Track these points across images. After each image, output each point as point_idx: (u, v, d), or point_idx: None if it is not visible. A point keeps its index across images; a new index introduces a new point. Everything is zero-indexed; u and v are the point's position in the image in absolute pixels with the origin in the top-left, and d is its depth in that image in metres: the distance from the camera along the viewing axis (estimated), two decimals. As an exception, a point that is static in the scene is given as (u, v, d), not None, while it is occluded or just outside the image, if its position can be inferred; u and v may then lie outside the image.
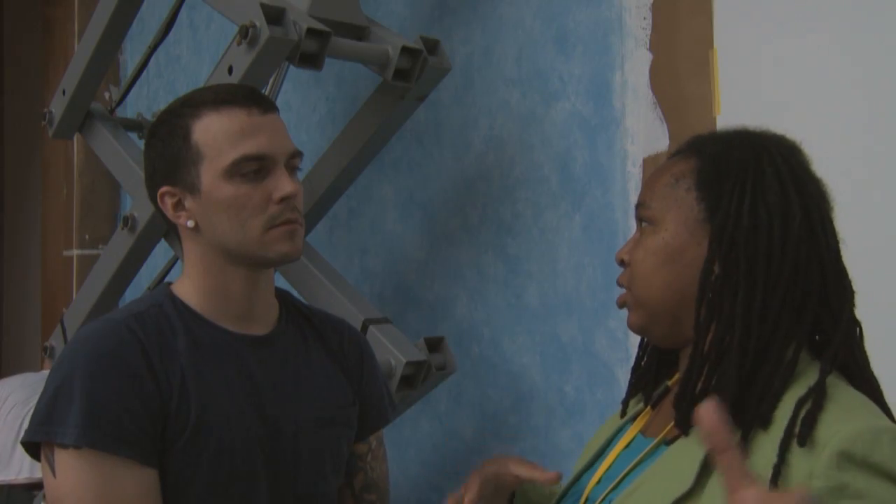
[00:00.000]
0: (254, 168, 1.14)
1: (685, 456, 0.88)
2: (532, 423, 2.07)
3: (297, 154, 1.19)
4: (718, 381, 0.88)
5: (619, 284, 1.01)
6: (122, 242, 2.31)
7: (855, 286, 0.93)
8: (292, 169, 1.19)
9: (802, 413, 0.82)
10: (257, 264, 1.18)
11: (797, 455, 0.81)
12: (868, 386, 0.90)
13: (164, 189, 1.19)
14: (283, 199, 1.14)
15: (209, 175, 1.15)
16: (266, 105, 1.18)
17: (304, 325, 1.29)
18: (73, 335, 1.17)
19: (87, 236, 3.65)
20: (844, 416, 0.82)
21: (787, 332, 0.88)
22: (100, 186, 3.65)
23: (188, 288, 1.20)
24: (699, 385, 0.90)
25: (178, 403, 1.11)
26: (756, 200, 0.89)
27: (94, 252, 3.54)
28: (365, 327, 1.98)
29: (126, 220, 2.27)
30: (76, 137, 2.77)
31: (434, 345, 2.01)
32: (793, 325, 0.88)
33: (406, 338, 1.99)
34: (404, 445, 2.40)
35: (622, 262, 1.00)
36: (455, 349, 2.12)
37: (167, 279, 2.22)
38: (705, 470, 0.85)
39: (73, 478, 1.06)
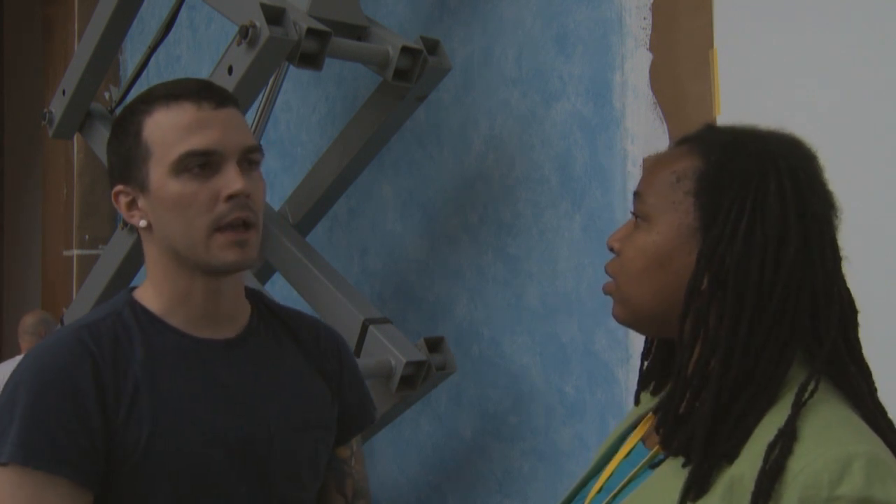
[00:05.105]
0: (199, 163, 1.07)
1: (668, 483, 0.87)
2: (532, 423, 2.07)
3: (254, 149, 1.11)
4: (697, 409, 0.86)
5: (607, 272, 1.00)
6: (122, 242, 2.31)
7: (857, 305, 0.90)
8: (251, 164, 1.11)
9: (771, 459, 0.79)
10: (204, 271, 1.11)
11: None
12: (862, 408, 0.87)
13: (118, 188, 1.14)
14: (230, 197, 1.07)
15: (157, 172, 1.09)
16: (220, 99, 1.11)
17: (278, 326, 1.23)
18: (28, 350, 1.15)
19: (87, 236, 3.65)
20: (815, 447, 0.80)
21: (771, 362, 0.85)
22: (100, 186, 3.66)
23: (150, 292, 1.15)
24: (681, 408, 0.88)
25: (126, 419, 1.05)
26: (753, 223, 0.86)
27: (94, 252, 3.55)
28: (365, 327, 1.98)
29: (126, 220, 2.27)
30: (76, 137, 2.77)
31: (434, 345, 2.01)
32: (779, 354, 0.85)
33: (406, 338, 1.99)
34: (404, 445, 2.40)
35: (612, 249, 0.99)
36: (455, 349, 2.12)
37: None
38: (684, 501, 0.84)
39: (3, 496, 1.02)
